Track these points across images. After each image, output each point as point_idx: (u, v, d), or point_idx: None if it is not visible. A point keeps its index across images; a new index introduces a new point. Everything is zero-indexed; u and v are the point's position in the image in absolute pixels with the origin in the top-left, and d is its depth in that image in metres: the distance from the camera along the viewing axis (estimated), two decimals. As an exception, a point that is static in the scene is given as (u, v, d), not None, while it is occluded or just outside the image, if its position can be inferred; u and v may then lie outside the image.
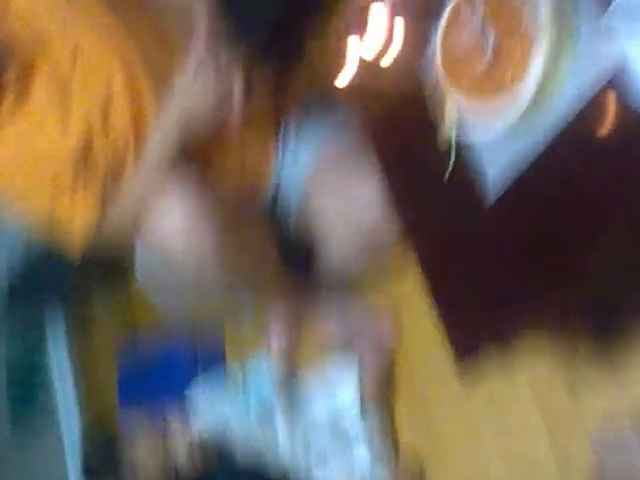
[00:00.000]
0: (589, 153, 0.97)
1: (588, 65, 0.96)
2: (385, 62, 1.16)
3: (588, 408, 1.27)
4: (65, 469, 2.72)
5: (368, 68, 1.18)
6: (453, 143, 1.11)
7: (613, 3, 0.91)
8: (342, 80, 1.21)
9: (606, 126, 0.93)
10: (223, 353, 2.12)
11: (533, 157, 1.02)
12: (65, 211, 1.49)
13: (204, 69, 1.45)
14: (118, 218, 1.50)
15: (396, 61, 1.15)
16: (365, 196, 1.51)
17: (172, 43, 1.54)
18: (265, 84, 1.58)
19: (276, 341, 1.85)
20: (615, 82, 0.93)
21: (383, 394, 1.66)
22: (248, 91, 1.49)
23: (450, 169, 1.11)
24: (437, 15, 1.12)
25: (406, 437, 1.63)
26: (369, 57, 1.18)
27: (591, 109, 0.95)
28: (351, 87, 1.22)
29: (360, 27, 1.18)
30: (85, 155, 1.47)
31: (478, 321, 1.08)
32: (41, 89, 1.47)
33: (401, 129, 1.24)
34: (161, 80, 1.50)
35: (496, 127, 1.04)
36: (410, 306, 1.61)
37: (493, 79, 1.04)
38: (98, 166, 1.48)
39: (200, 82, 1.45)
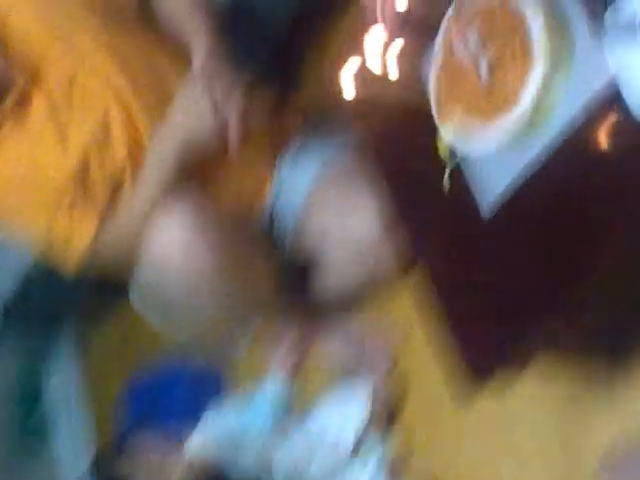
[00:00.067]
0: (585, 169, 0.97)
1: (583, 83, 0.97)
2: (384, 79, 1.16)
3: (600, 429, 1.25)
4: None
5: (367, 85, 1.19)
6: (451, 159, 1.12)
7: (607, 21, 0.91)
8: (342, 97, 1.22)
9: (602, 142, 0.93)
10: (227, 375, 2.12)
11: (531, 173, 1.02)
12: (63, 230, 1.50)
13: (205, 92, 1.46)
14: (116, 238, 1.51)
15: (395, 78, 1.15)
16: (364, 215, 1.51)
17: (166, 75, 1.56)
18: (265, 104, 1.59)
19: (281, 363, 1.84)
20: (611, 99, 0.93)
21: (389, 414, 1.65)
22: (248, 112, 1.49)
23: (448, 185, 1.12)
24: (434, 33, 1.14)
25: (413, 458, 1.62)
26: (368, 74, 1.18)
27: (587, 126, 0.95)
28: (351, 104, 1.22)
29: (359, 45, 1.18)
30: (83, 176, 1.49)
31: (490, 341, 1.08)
32: (38, 112, 1.49)
33: (402, 145, 1.25)
34: (155, 111, 1.51)
35: (493, 144, 1.04)
36: (409, 323, 1.60)
37: (490, 97, 1.04)
38: (96, 186, 1.49)
39: (201, 104, 1.46)
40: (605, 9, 0.90)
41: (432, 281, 1.18)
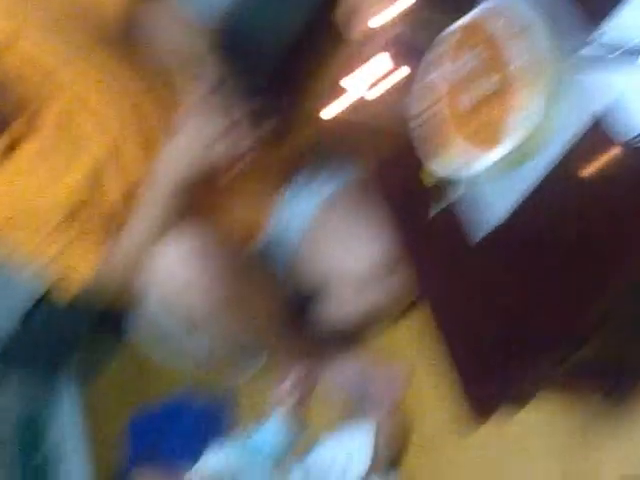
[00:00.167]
0: (578, 194, 0.97)
1: (577, 107, 0.97)
2: (380, 101, 1.16)
3: (605, 464, 1.24)
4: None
5: (365, 107, 1.19)
6: (442, 184, 1.12)
7: (600, 42, 0.91)
8: (339, 128, 1.23)
9: (596, 166, 0.93)
10: (230, 411, 2.10)
11: (524, 197, 1.02)
12: (64, 261, 1.50)
13: (209, 123, 1.46)
14: (117, 267, 1.51)
15: (390, 100, 1.16)
16: (367, 246, 1.53)
17: (150, 113, 1.56)
18: (268, 135, 1.59)
19: (284, 399, 1.82)
20: (604, 121, 0.93)
21: (392, 455, 1.63)
22: (251, 143, 1.49)
23: (438, 209, 1.12)
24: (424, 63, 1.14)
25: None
26: (366, 96, 1.19)
27: (581, 150, 0.96)
28: (349, 125, 1.23)
29: (356, 67, 1.19)
30: (80, 207, 1.49)
31: (493, 376, 1.07)
32: (30, 152, 1.49)
33: (399, 174, 1.25)
34: (145, 148, 1.52)
35: (484, 169, 1.04)
36: (412, 353, 1.59)
37: (482, 123, 1.04)
38: (92, 222, 1.49)
39: (204, 135, 1.46)
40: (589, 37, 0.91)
41: (434, 315, 1.17)
